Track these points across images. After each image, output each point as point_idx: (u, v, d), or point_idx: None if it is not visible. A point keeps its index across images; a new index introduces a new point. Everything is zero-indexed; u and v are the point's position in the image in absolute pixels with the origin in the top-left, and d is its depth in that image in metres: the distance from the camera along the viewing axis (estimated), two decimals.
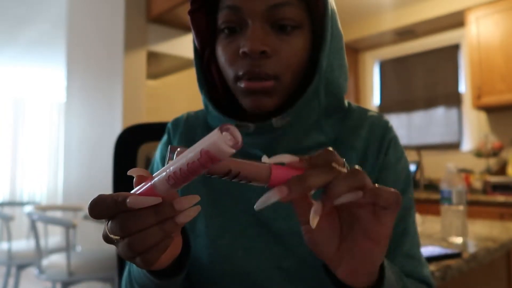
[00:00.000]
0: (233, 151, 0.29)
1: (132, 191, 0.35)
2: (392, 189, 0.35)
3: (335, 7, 0.59)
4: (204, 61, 0.63)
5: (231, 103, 0.65)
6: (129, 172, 0.35)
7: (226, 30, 0.56)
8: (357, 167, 0.35)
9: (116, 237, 0.34)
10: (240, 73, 0.55)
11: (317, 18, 0.57)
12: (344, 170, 0.35)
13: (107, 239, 0.35)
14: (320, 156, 0.35)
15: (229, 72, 0.57)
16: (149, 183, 0.33)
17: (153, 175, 0.34)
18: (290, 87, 0.57)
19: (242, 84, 0.55)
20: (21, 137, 6.09)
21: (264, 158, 0.35)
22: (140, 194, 0.33)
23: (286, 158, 0.35)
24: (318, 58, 0.56)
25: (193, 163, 0.30)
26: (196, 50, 0.63)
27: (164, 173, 0.32)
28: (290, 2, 0.54)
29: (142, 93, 2.61)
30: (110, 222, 0.34)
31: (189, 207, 0.34)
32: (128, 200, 0.32)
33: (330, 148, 0.36)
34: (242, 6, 0.54)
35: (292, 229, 0.56)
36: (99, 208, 0.33)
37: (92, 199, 0.34)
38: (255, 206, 0.35)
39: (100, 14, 2.82)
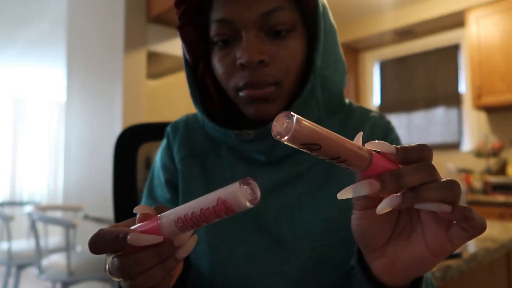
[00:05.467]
0: (250, 206, 0.29)
1: (134, 227, 0.34)
2: (482, 217, 0.33)
3: (325, 1, 0.58)
4: (199, 74, 0.62)
5: (228, 113, 0.64)
6: (135, 210, 0.35)
7: (220, 43, 0.55)
8: (452, 179, 0.33)
9: (117, 279, 0.34)
10: (240, 84, 0.54)
11: (309, 15, 0.56)
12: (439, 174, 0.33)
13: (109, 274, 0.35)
14: (415, 150, 0.33)
15: (228, 85, 0.56)
16: (155, 223, 0.33)
17: (160, 215, 0.33)
18: (292, 91, 0.56)
19: (243, 93, 0.54)
20: (21, 137, 6.09)
21: (360, 135, 0.33)
22: (142, 231, 0.33)
23: (384, 146, 0.33)
24: (313, 57, 0.55)
25: (208, 209, 0.30)
26: (187, 64, 0.62)
27: (172, 215, 0.32)
28: (281, 6, 0.53)
29: (142, 93, 2.61)
30: (110, 263, 0.34)
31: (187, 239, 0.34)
32: (129, 237, 0.32)
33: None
34: (234, 18, 0.53)
35: (295, 232, 0.56)
36: (100, 244, 0.33)
37: (93, 234, 0.33)
38: (338, 195, 0.33)
39: (100, 14, 2.82)
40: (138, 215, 0.35)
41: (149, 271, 0.33)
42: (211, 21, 0.56)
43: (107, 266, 0.35)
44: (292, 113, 0.28)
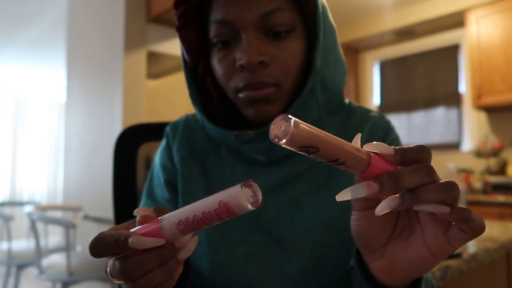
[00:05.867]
0: (252, 208, 0.29)
1: (134, 229, 0.34)
2: (481, 218, 0.33)
3: (324, 1, 0.58)
4: (199, 75, 0.62)
5: (228, 114, 0.64)
6: (135, 212, 0.35)
7: (219, 44, 0.55)
8: (452, 180, 0.33)
9: (119, 281, 0.34)
10: (240, 85, 0.54)
11: (309, 15, 0.56)
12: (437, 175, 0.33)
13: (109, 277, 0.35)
14: (414, 151, 0.33)
15: (228, 86, 0.56)
16: (156, 225, 0.33)
17: (161, 218, 0.33)
18: (291, 92, 0.56)
19: (243, 95, 0.54)
20: (21, 137, 6.09)
21: (358, 136, 0.33)
22: (143, 234, 0.33)
23: (382, 147, 0.33)
24: (313, 57, 0.55)
25: (209, 212, 0.30)
26: (186, 65, 0.62)
27: (174, 218, 0.32)
28: (281, 7, 0.53)
29: (142, 93, 2.61)
30: (111, 266, 0.34)
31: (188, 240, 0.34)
32: (130, 240, 0.32)
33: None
34: (233, 19, 0.53)
35: (295, 232, 0.56)
36: (100, 248, 0.33)
37: (93, 238, 0.33)
38: (336, 197, 0.33)
39: (100, 14, 2.82)
40: (138, 217, 0.35)
41: (150, 273, 0.33)
42: (210, 22, 0.56)
43: (108, 269, 0.34)
44: (289, 116, 0.28)
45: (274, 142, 0.28)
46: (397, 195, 0.32)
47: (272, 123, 0.29)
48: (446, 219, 0.33)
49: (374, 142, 0.33)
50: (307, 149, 0.29)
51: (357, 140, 0.33)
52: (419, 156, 0.33)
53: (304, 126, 0.28)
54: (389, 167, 0.33)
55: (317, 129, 0.29)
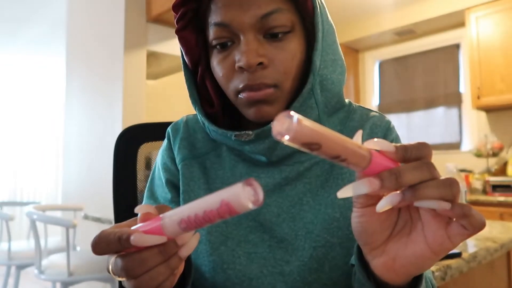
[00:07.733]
0: (254, 207, 0.29)
1: (135, 226, 0.34)
2: (480, 214, 0.33)
3: (323, 0, 0.58)
4: (199, 78, 0.62)
5: (228, 115, 0.64)
6: (136, 210, 0.35)
7: (219, 46, 0.55)
8: (451, 177, 0.33)
9: (121, 278, 0.34)
10: (239, 87, 0.54)
11: (307, 16, 0.57)
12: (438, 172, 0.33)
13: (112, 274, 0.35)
14: (414, 149, 0.33)
15: (228, 87, 0.56)
16: (158, 223, 0.33)
17: (162, 215, 0.33)
18: (291, 92, 0.56)
19: (242, 96, 0.54)
20: (21, 137, 6.09)
21: (360, 133, 0.33)
22: (145, 232, 0.33)
23: (383, 145, 0.33)
24: (312, 57, 0.56)
25: (211, 211, 0.30)
26: (186, 67, 0.62)
27: (176, 216, 0.32)
28: (279, 9, 0.53)
29: (142, 93, 2.60)
30: (113, 264, 0.34)
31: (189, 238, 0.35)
32: (132, 238, 0.32)
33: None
34: (231, 22, 0.53)
35: (296, 232, 0.56)
36: (103, 245, 0.33)
37: (95, 236, 0.34)
38: (338, 193, 0.33)
39: (100, 14, 2.82)
40: (139, 215, 0.35)
41: (152, 270, 0.33)
42: (209, 24, 0.56)
43: (110, 267, 0.35)
44: (292, 112, 0.28)
45: (276, 139, 0.28)
46: (398, 192, 0.33)
47: (275, 119, 0.29)
48: (446, 215, 0.34)
49: (375, 139, 0.33)
50: (309, 146, 0.29)
51: (358, 137, 0.33)
52: (419, 153, 0.33)
53: (307, 123, 0.28)
54: (390, 164, 0.33)
55: (320, 125, 0.29)
